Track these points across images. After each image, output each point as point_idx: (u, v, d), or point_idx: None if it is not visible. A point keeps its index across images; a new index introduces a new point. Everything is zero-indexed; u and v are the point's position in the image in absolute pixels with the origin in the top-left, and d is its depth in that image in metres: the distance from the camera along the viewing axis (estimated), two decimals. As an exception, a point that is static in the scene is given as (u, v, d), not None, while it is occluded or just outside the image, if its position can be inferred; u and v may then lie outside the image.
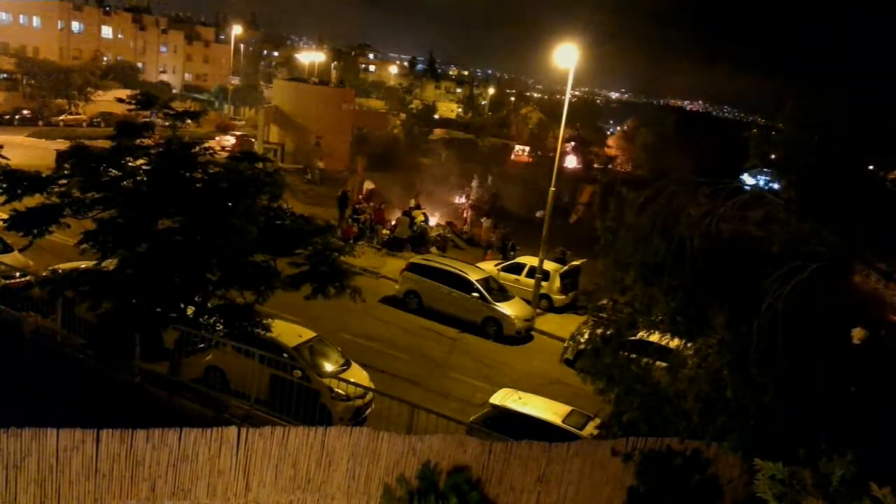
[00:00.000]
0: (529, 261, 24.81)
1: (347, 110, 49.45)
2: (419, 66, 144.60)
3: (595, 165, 53.50)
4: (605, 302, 10.85)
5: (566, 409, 13.09)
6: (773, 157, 9.86)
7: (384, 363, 16.97)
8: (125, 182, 12.19)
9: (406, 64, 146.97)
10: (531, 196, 36.89)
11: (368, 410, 13.48)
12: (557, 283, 23.91)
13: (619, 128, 47.85)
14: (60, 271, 13.64)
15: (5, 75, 61.74)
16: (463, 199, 37.22)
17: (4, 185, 11.74)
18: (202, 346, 13.39)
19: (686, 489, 8.62)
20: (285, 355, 12.95)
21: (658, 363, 9.81)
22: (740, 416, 8.17)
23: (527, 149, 61.05)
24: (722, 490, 8.89)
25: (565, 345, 18.71)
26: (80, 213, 12.04)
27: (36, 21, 73.74)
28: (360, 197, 32.75)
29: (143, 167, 12.34)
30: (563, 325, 21.72)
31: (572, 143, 54.08)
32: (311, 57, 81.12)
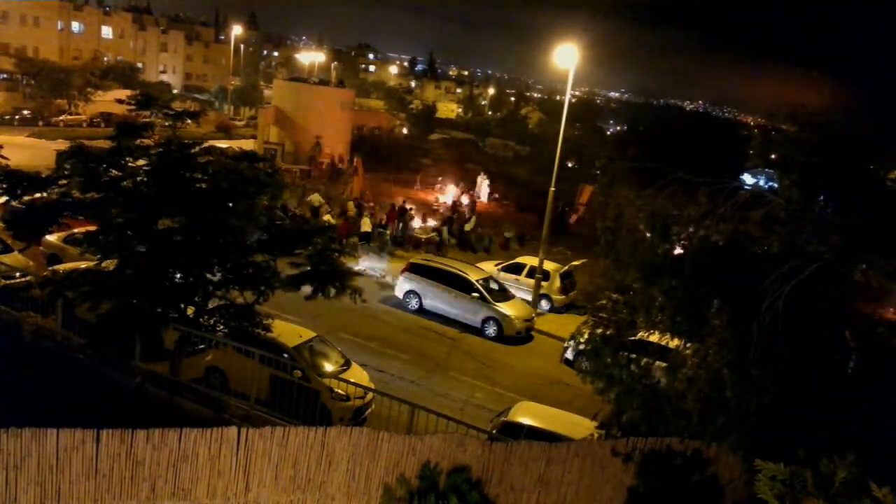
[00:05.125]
0: (529, 261, 24.81)
1: (347, 110, 49.45)
2: (419, 67, 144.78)
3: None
4: (604, 302, 10.84)
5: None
6: (773, 156, 9.87)
7: (384, 363, 16.97)
8: (125, 182, 12.18)
9: (406, 64, 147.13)
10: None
11: (368, 410, 13.47)
12: (557, 283, 23.92)
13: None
14: (61, 271, 13.63)
15: (5, 75, 61.76)
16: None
17: (4, 186, 11.73)
18: (202, 346, 13.38)
19: (686, 489, 8.62)
20: (285, 355, 12.95)
21: (658, 363, 9.80)
22: (740, 416, 8.17)
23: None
24: (722, 490, 8.88)
25: (565, 345, 18.70)
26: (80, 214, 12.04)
27: (36, 21, 73.73)
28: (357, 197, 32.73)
29: (143, 167, 12.33)
30: (563, 325, 21.72)
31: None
32: (311, 57, 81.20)
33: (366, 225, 28.13)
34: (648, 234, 9.27)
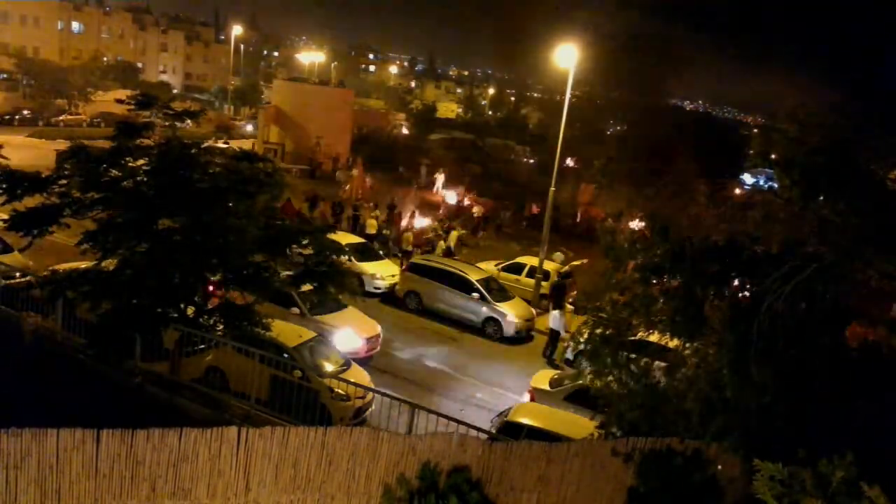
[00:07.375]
0: (529, 261, 24.81)
1: (347, 110, 49.47)
2: (419, 67, 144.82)
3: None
4: (604, 302, 10.84)
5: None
6: (773, 156, 9.88)
7: (384, 363, 16.97)
8: (125, 182, 12.19)
9: (406, 64, 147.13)
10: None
11: (368, 410, 13.47)
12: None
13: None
14: (61, 271, 13.64)
15: (5, 75, 61.81)
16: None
17: (4, 186, 11.74)
18: (202, 346, 13.39)
19: (686, 489, 8.62)
20: (285, 355, 12.95)
21: (658, 363, 9.80)
22: (740, 416, 8.17)
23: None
24: (722, 490, 8.88)
25: (565, 345, 18.70)
26: (80, 214, 12.04)
27: (36, 21, 73.76)
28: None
29: (144, 167, 12.34)
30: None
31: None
32: (311, 57, 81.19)
33: (371, 227, 27.85)
34: (648, 234, 9.29)
